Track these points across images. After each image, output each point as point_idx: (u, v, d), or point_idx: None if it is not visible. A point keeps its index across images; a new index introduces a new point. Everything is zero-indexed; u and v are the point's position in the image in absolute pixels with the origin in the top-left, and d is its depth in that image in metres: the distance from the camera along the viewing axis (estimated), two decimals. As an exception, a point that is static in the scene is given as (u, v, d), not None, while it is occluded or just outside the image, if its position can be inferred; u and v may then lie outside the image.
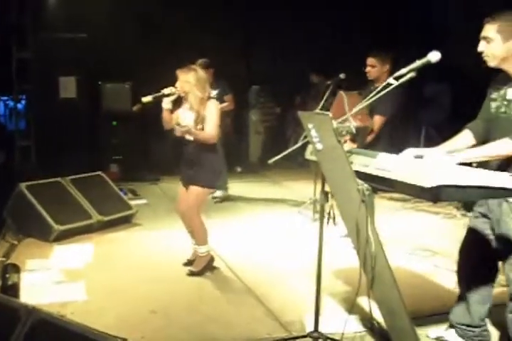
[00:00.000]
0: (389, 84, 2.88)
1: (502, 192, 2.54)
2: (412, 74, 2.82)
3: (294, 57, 9.51)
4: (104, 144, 8.68)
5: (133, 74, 8.40)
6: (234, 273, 4.75)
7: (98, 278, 4.54)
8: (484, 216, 3.19)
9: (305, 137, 3.23)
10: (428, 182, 2.36)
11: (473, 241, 3.29)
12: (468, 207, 5.85)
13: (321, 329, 3.35)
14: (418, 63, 2.82)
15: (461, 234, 3.42)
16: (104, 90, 8.61)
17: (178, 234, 5.39)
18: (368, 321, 3.58)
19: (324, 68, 8.67)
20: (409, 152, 2.98)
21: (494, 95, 3.08)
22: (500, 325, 3.45)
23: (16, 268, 3.87)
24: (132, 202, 6.52)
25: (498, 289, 3.54)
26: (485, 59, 2.97)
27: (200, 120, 4.44)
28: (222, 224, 6.05)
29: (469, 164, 2.86)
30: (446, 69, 5.68)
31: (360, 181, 2.71)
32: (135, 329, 3.62)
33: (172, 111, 4.61)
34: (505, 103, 2.99)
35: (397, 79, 2.86)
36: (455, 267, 3.48)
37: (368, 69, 5.17)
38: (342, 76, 6.00)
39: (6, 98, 11.33)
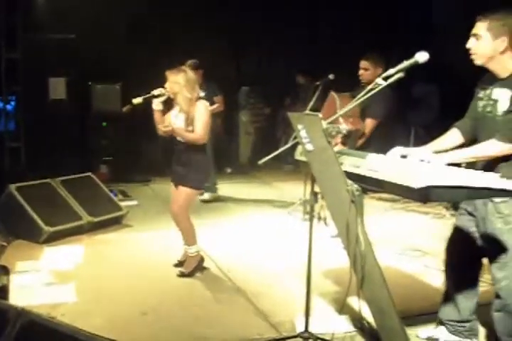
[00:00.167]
0: (378, 85, 2.90)
1: (490, 193, 2.56)
2: (400, 75, 2.84)
3: (283, 58, 9.53)
4: (94, 145, 8.65)
5: (123, 75, 8.39)
6: (224, 273, 4.75)
7: (88, 280, 4.53)
8: (470, 214, 3.23)
9: (295, 138, 3.23)
10: (417, 183, 2.37)
11: (459, 238, 3.34)
12: (457, 207, 5.88)
13: (312, 329, 3.36)
14: (406, 63, 2.84)
15: (451, 234, 3.45)
16: (94, 91, 8.58)
17: (168, 235, 5.39)
18: (358, 321, 3.59)
19: (313, 69, 8.69)
20: (396, 151, 3.03)
21: (481, 94, 3.12)
22: (487, 324, 3.47)
23: (6, 270, 3.86)
24: (122, 204, 6.50)
25: (483, 288, 3.58)
26: (472, 56, 3.00)
27: (190, 121, 4.45)
28: (213, 224, 6.05)
29: (458, 165, 2.89)
30: (434, 70, 5.70)
31: (349, 181, 2.72)
32: (125, 331, 3.62)
33: (164, 112, 4.63)
34: (491, 103, 3.02)
35: (385, 79, 2.88)
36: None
37: (361, 72, 5.18)
38: (331, 77, 6.00)
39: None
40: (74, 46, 8.10)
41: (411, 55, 2.84)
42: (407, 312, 3.58)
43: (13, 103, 9.08)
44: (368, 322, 3.46)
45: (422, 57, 2.82)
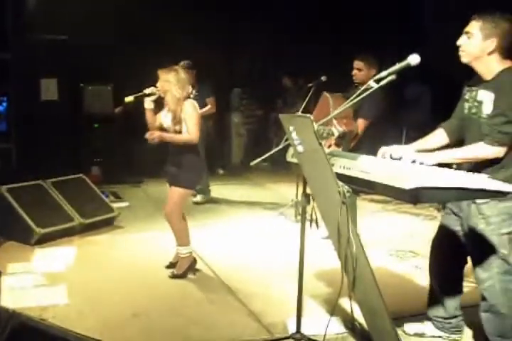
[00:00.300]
0: (370, 87, 2.91)
1: (480, 194, 2.58)
2: (392, 77, 2.85)
3: (275, 60, 9.53)
4: (86, 146, 8.63)
5: (115, 76, 8.37)
6: (216, 275, 4.74)
7: (80, 282, 4.52)
8: (455, 214, 3.28)
9: (286, 139, 3.24)
10: (407, 184, 2.38)
11: (445, 236, 3.39)
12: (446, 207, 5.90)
13: (304, 330, 3.37)
14: (398, 66, 2.86)
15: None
16: (86, 92, 8.56)
17: (160, 236, 5.39)
18: (349, 322, 3.60)
19: (303, 71, 8.71)
20: (382, 151, 3.08)
21: (467, 96, 3.18)
22: (473, 324, 3.52)
23: (-3, 272, 3.85)
24: (114, 205, 6.49)
25: (469, 289, 3.61)
26: (460, 53, 3.04)
27: (177, 120, 4.47)
28: (205, 226, 6.05)
29: (449, 166, 2.92)
30: (427, 71, 5.73)
31: (340, 183, 2.73)
32: (117, 333, 3.62)
33: (156, 112, 4.66)
34: (476, 104, 3.08)
35: (377, 81, 2.89)
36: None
37: (355, 72, 5.19)
38: (323, 78, 6.01)
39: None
40: (65, 47, 8.06)
41: (403, 58, 2.86)
42: (398, 312, 3.61)
43: (4, 104, 9.07)
44: (360, 323, 3.48)
45: (414, 59, 2.83)
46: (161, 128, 4.60)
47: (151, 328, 3.72)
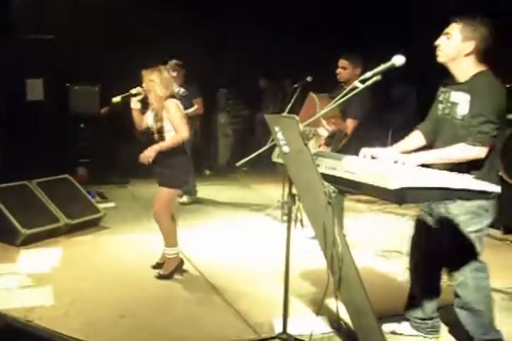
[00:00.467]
0: (355, 87, 2.93)
1: (465, 194, 2.60)
2: (377, 78, 2.87)
3: (260, 60, 9.52)
4: (72, 147, 8.58)
5: (101, 76, 8.34)
6: (203, 275, 4.75)
7: (65, 282, 4.50)
8: (428, 213, 3.37)
9: (272, 140, 3.25)
10: (393, 184, 2.40)
11: (421, 237, 3.47)
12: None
13: (290, 330, 3.38)
14: (382, 67, 2.88)
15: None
16: (72, 92, 8.50)
17: (147, 237, 5.38)
18: (335, 322, 3.62)
19: (291, 71, 8.71)
20: (364, 152, 3.13)
21: (441, 97, 3.26)
22: (449, 324, 3.61)
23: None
24: (100, 205, 6.47)
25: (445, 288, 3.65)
26: (437, 53, 3.13)
27: (158, 118, 4.50)
28: (191, 226, 6.04)
29: (428, 166, 2.96)
30: (412, 72, 5.76)
31: (326, 183, 2.74)
32: (103, 334, 3.61)
33: (143, 113, 4.68)
34: (449, 105, 3.16)
35: (362, 82, 2.91)
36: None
37: (339, 70, 5.22)
38: (309, 79, 6.02)
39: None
40: (52, 47, 8.01)
41: (388, 58, 2.88)
42: (384, 312, 3.62)
43: (-11, 104, 9.00)
44: (346, 323, 3.50)
45: (398, 60, 2.85)
46: (148, 128, 4.63)
47: (138, 329, 3.72)
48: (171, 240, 4.66)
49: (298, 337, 3.35)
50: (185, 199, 7.30)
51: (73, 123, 8.54)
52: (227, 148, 10.41)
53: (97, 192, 7.38)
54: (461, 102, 3.06)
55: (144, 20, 8.27)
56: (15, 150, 7.91)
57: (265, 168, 8.48)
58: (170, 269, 4.65)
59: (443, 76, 3.26)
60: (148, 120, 4.63)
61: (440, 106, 3.24)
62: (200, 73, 7.95)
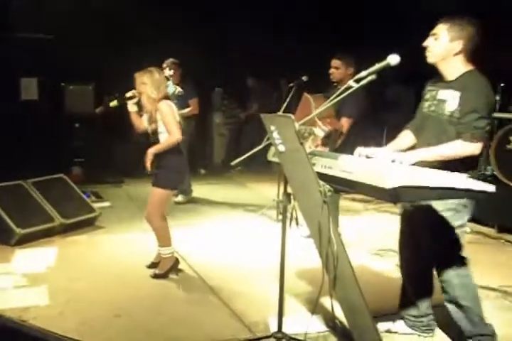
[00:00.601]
0: (350, 87, 2.94)
1: (460, 193, 2.61)
2: (372, 77, 2.88)
3: (254, 60, 9.51)
4: (67, 146, 8.57)
5: (96, 76, 8.33)
6: (198, 274, 4.74)
7: (60, 282, 4.49)
8: (411, 212, 3.41)
9: (268, 139, 3.25)
10: (388, 184, 2.40)
11: (409, 235, 3.49)
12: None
13: (285, 329, 3.38)
14: (377, 66, 2.89)
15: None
16: (67, 92, 8.50)
17: (142, 236, 5.38)
18: (330, 320, 3.63)
19: (291, 71, 8.71)
20: (359, 151, 3.15)
21: (428, 95, 3.30)
22: (444, 324, 3.60)
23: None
24: (95, 205, 6.46)
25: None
26: (427, 54, 3.16)
27: (152, 120, 4.51)
28: (186, 226, 6.05)
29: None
30: (408, 71, 5.77)
31: (321, 182, 2.74)
32: (98, 334, 3.60)
33: (141, 115, 4.70)
34: (435, 102, 3.20)
35: (357, 81, 2.92)
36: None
37: (332, 70, 5.23)
38: (304, 78, 6.02)
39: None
40: (46, 46, 8.00)
41: (383, 57, 2.89)
42: (379, 311, 3.64)
43: (-17, 103, 8.97)
44: (341, 322, 3.50)
45: (393, 59, 2.86)
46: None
47: (133, 328, 3.71)
48: (164, 240, 4.66)
49: (293, 336, 3.35)
50: (180, 198, 7.30)
51: (68, 123, 8.53)
52: (223, 147, 10.41)
53: (92, 191, 7.36)
54: (448, 99, 3.11)
55: (143, 20, 8.25)
56: (9, 149, 7.90)
57: (260, 167, 8.54)
58: (165, 269, 4.64)
59: (438, 76, 3.28)
60: (145, 122, 4.62)
61: (426, 103, 3.29)
62: (196, 73, 7.95)
